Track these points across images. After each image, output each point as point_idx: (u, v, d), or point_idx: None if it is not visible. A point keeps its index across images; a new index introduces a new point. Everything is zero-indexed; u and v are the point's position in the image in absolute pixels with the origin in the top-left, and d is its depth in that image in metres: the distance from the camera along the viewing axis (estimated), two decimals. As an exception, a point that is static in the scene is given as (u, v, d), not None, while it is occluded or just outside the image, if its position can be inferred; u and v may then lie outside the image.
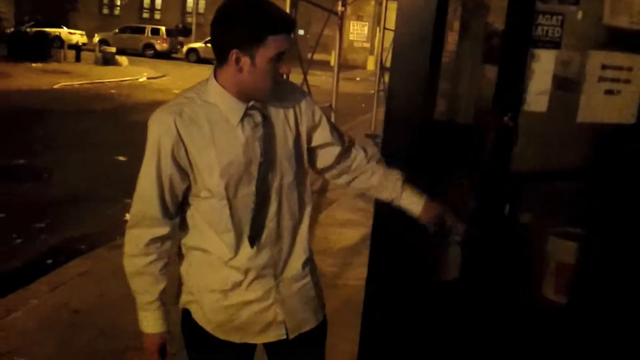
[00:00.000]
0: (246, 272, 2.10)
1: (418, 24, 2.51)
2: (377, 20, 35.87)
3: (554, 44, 2.26)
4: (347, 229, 6.56)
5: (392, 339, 2.80)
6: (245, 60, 1.93)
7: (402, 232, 2.65)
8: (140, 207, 2.08)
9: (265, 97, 2.04)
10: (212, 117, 2.00)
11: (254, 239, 2.08)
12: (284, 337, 2.19)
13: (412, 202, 2.36)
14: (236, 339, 2.19)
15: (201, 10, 42.32)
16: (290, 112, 2.15)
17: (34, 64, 23.87)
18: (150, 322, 2.17)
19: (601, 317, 2.82)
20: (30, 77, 20.08)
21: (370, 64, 35.77)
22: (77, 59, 27.43)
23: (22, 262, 5.53)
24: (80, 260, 5.40)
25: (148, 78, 23.80)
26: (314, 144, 2.24)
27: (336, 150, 2.30)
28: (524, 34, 2.24)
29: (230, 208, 2.04)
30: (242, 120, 2.02)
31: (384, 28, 12.56)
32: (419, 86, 2.56)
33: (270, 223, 2.10)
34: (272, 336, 2.19)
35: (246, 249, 2.08)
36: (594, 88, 2.31)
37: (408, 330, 2.79)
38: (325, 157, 2.30)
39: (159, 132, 1.99)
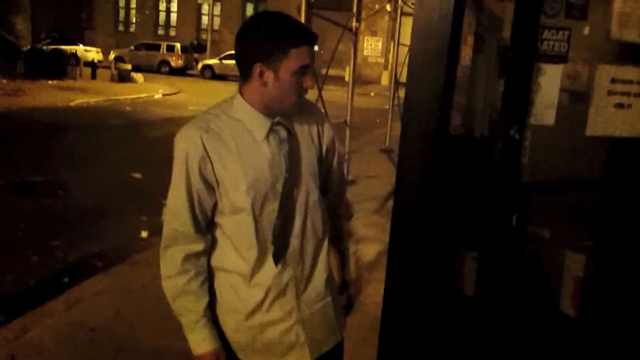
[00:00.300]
0: (268, 290, 2.08)
1: (434, 39, 2.50)
2: (391, 35, 35.97)
3: (561, 58, 2.27)
4: (364, 245, 6.52)
5: (411, 356, 2.77)
6: (269, 74, 1.95)
7: (419, 248, 2.64)
8: (173, 224, 2.07)
9: (290, 110, 2.06)
10: (238, 133, 2.01)
11: (277, 257, 2.07)
12: (308, 359, 2.18)
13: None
14: None
15: (216, 27, 42.62)
16: (314, 130, 2.17)
17: (50, 81, 24.09)
18: (200, 341, 2.12)
19: (620, 331, 2.78)
20: (47, 94, 20.27)
21: (385, 79, 35.80)
22: (93, 76, 27.65)
23: (38, 280, 5.52)
24: (97, 278, 5.40)
25: (163, 95, 23.96)
26: (325, 164, 2.26)
27: (335, 178, 2.34)
28: (529, 48, 2.25)
29: (256, 224, 2.03)
30: (267, 136, 2.03)
31: (398, 43, 12.57)
32: (434, 101, 2.55)
33: (294, 241, 2.09)
34: (294, 357, 2.17)
35: (269, 267, 2.07)
36: (603, 101, 2.30)
37: (427, 348, 2.76)
38: (325, 179, 2.31)
39: (186, 148, 2.00)
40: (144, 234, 7.06)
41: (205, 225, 2.09)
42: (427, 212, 2.63)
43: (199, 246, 2.08)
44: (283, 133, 2.05)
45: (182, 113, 18.46)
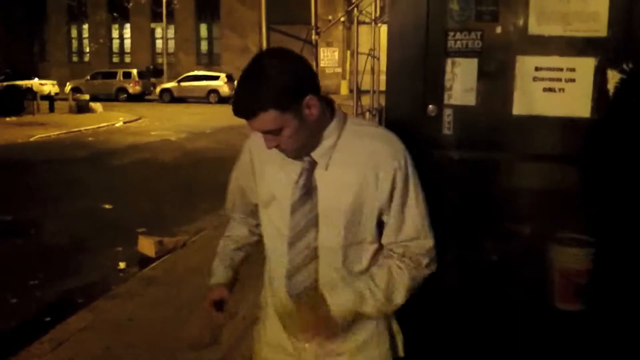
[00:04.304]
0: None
1: (408, 48, 2.64)
2: (347, 44, 36.11)
3: (475, 53, 2.70)
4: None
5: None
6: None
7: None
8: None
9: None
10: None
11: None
12: None
13: None
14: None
15: (171, 50, 42.44)
16: (362, 173, 2.17)
17: (8, 118, 23.70)
18: (214, 275, 2.27)
19: (612, 322, 2.82)
20: (6, 131, 19.93)
21: (344, 89, 35.95)
22: (51, 109, 27.32)
23: (20, 322, 5.42)
24: (80, 314, 5.29)
25: (124, 122, 23.79)
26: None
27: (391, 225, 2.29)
28: (439, 48, 2.72)
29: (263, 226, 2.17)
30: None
31: (357, 52, 12.61)
32: (414, 109, 2.68)
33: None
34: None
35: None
36: (527, 87, 2.66)
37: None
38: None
39: (248, 144, 2.15)
40: (122, 264, 6.98)
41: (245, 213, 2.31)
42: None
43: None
44: (307, 164, 1.97)
45: (145, 139, 18.35)
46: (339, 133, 1.97)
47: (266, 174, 2.06)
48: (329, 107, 1.98)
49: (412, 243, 2.00)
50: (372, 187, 1.94)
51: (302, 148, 1.93)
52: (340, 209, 1.95)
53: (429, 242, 2.01)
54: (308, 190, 1.97)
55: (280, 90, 1.79)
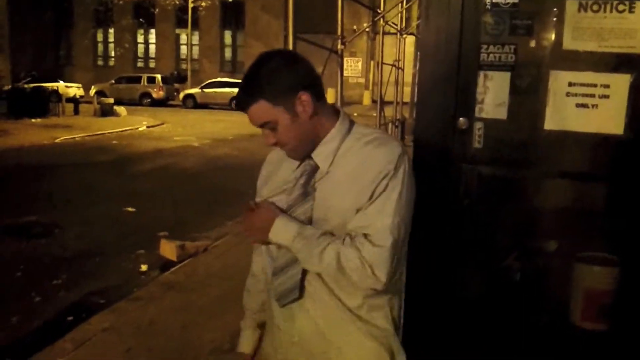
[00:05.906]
0: None
1: (440, 64, 2.65)
2: (370, 55, 36.19)
3: (508, 67, 2.69)
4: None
5: None
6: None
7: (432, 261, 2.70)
8: None
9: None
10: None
11: None
12: None
13: None
14: None
15: (195, 56, 42.74)
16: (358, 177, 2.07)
17: (33, 120, 24.02)
18: (240, 341, 2.35)
19: (637, 342, 2.80)
20: (31, 133, 20.19)
21: (366, 99, 36.02)
22: (76, 111, 27.61)
23: (43, 321, 5.47)
24: (101, 315, 5.32)
25: (148, 127, 23.97)
26: None
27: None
28: (472, 60, 2.72)
29: None
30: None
31: (382, 63, 12.64)
32: (444, 126, 2.69)
33: None
34: None
35: None
36: (560, 102, 2.64)
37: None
38: None
39: (266, 160, 2.23)
40: (144, 267, 7.02)
41: None
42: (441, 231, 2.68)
43: None
44: (309, 166, 2.00)
45: (168, 144, 18.46)
46: (342, 138, 1.98)
47: (271, 181, 2.10)
48: (333, 113, 2.01)
49: (365, 231, 1.87)
50: (365, 193, 1.89)
51: (300, 147, 1.97)
52: (336, 214, 1.92)
53: (383, 242, 1.84)
54: (305, 192, 1.97)
55: (272, 82, 1.87)
